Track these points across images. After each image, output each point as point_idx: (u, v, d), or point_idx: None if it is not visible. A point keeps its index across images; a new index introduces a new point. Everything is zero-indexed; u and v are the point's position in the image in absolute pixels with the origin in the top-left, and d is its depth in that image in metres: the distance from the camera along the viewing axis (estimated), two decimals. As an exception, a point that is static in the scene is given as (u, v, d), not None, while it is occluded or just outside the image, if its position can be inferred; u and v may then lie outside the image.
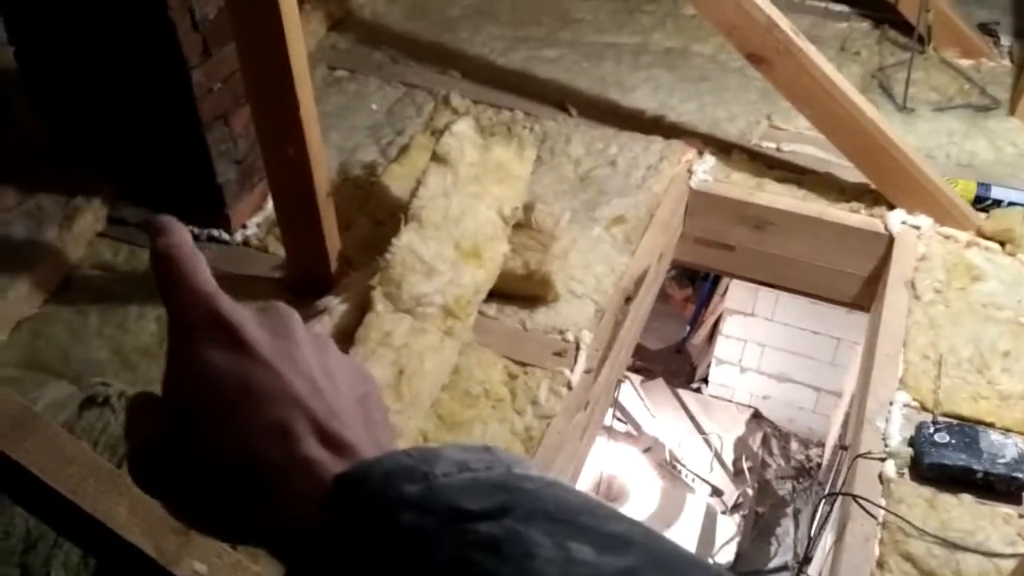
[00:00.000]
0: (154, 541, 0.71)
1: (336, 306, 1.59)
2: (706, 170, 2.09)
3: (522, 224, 1.75)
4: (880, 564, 1.36)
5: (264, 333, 0.40)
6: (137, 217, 1.87)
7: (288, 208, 1.68)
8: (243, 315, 0.40)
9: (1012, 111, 2.29)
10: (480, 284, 1.62)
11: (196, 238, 1.84)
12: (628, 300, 1.83)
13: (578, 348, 1.68)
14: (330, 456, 0.37)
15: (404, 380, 1.43)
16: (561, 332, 1.72)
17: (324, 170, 1.62)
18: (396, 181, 1.93)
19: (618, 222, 1.95)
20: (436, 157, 1.70)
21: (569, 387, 1.61)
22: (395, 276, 1.54)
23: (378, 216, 1.87)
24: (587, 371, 1.66)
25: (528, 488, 0.34)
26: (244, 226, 1.88)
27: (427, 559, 0.32)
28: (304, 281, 1.73)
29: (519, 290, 1.75)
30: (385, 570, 0.32)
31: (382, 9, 2.68)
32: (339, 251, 1.73)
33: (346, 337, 1.52)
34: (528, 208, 1.76)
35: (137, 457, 0.39)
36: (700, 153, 2.14)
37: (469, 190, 1.68)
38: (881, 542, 1.39)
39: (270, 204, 1.83)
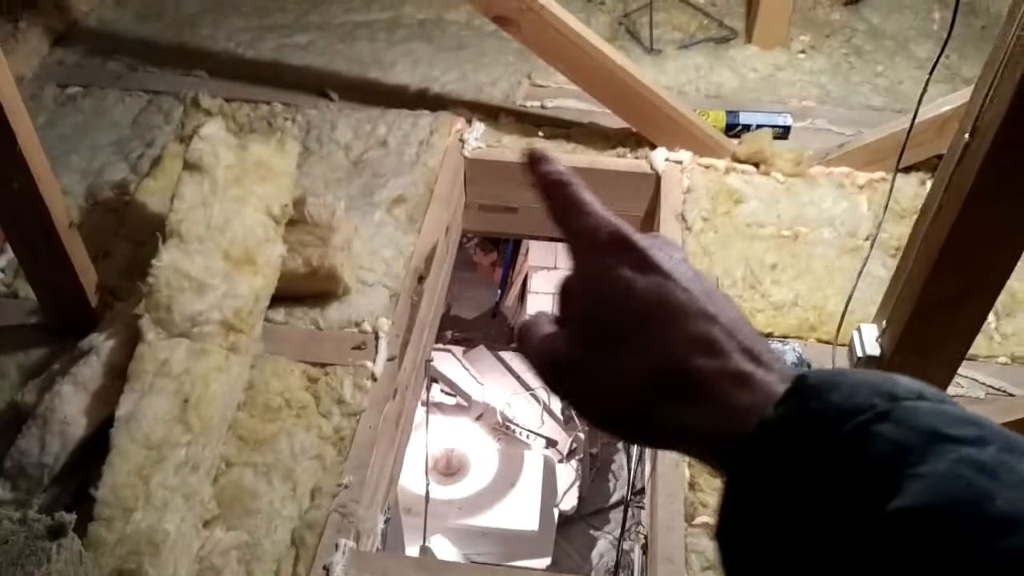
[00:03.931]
0: None
1: (103, 344, 1.46)
2: (477, 137, 2.08)
3: (296, 220, 1.67)
4: (692, 486, 1.43)
5: (666, 257, 0.42)
6: None
7: (28, 248, 1.52)
8: (647, 240, 0.43)
9: (748, 39, 2.44)
10: (259, 291, 1.53)
11: (-72, 297, 1.64)
12: (421, 279, 1.80)
13: (377, 337, 1.64)
14: (761, 371, 0.38)
15: (191, 409, 1.33)
16: (357, 324, 1.67)
17: (60, 200, 1.47)
18: (152, 196, 1.79)
19: (398, 202, 1.92)
20: (188, 165, 1.59)
21: (374, 378, 1.57)
22: (162, 299, 1.43)
23: (138, 237, 1.73)
24: (390, 359, 1.62)
25: (995, 426, 0.34)
26: (-15, 274, 1.68)
27: (910, 469, 0.32)
28: (65, 321, 1.58)
29: (306, 289, 1.68)
30: (855, 474, 0.33)
31: (110, 15, 2.46)
32: (97, 283, 1.58)
33: (119, 374, 1.40)
34: (299, 203, 1.68)
35: (558, 370, 0.43)
36: (469, 121, 2.13)
37: (230, 195, 1.58)
38: (690, 465, 1.46)
39: (10, 247, 1.65)
